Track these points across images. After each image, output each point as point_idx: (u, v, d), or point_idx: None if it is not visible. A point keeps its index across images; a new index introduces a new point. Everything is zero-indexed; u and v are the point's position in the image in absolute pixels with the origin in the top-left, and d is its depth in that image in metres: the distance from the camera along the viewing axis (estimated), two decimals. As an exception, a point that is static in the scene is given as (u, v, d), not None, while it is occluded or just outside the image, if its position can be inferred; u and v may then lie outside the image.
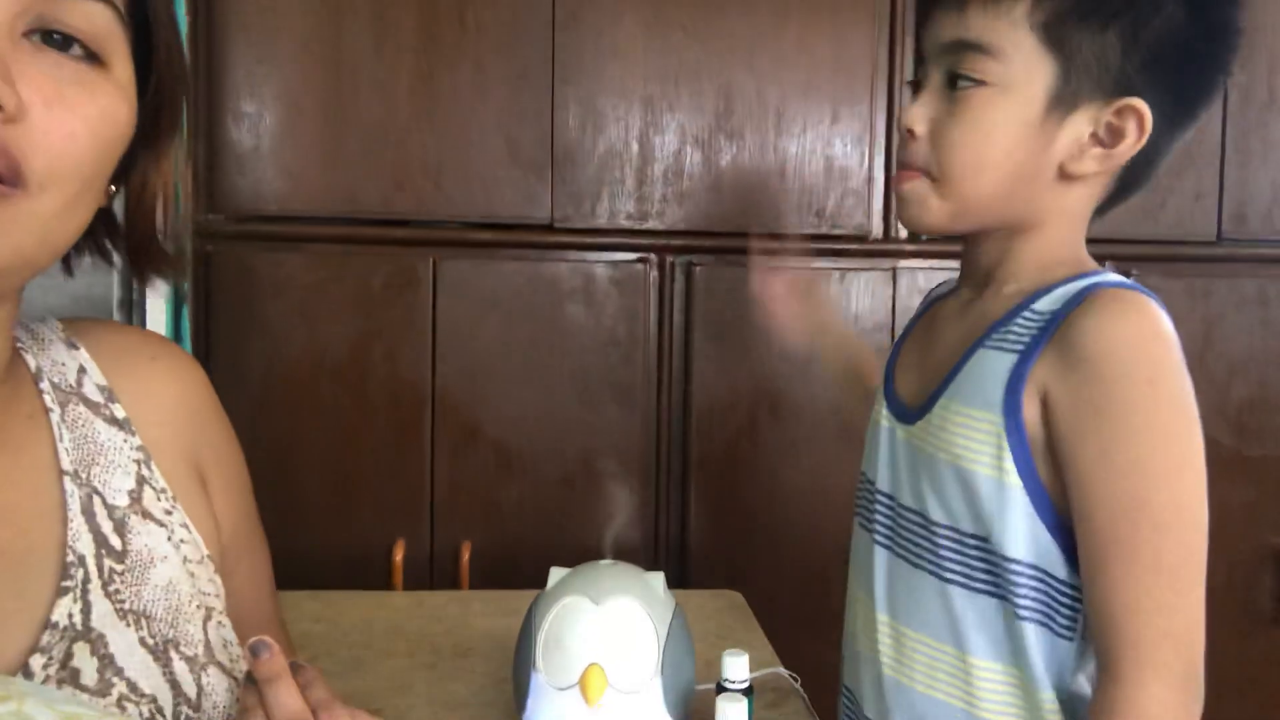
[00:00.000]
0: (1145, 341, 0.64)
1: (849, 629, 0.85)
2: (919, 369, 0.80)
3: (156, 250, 0.57)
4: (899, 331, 1.49)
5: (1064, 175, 0.72)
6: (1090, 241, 0.76)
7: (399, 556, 1.38)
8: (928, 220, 0.74)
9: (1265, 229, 1.56)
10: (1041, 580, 0.69)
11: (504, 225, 1.44)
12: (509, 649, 0.95)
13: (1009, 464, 0.68)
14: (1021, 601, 0.69)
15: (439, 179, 1.42)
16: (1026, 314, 0.70)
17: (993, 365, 0.70)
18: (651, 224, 1.47)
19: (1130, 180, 0.75)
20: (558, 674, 0.77)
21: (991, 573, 0.70)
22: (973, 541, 0.71)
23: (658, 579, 0.85)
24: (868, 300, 1.50)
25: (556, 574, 0.85)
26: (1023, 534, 0.68)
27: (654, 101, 1.46)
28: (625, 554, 1.46)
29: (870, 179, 1.49)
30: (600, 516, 1.47)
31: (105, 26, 0.47)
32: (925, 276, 1.51)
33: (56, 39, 0.45)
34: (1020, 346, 0.69)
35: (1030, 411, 0.67)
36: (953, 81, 0.71)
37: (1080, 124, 0.70)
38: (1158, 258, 1.54)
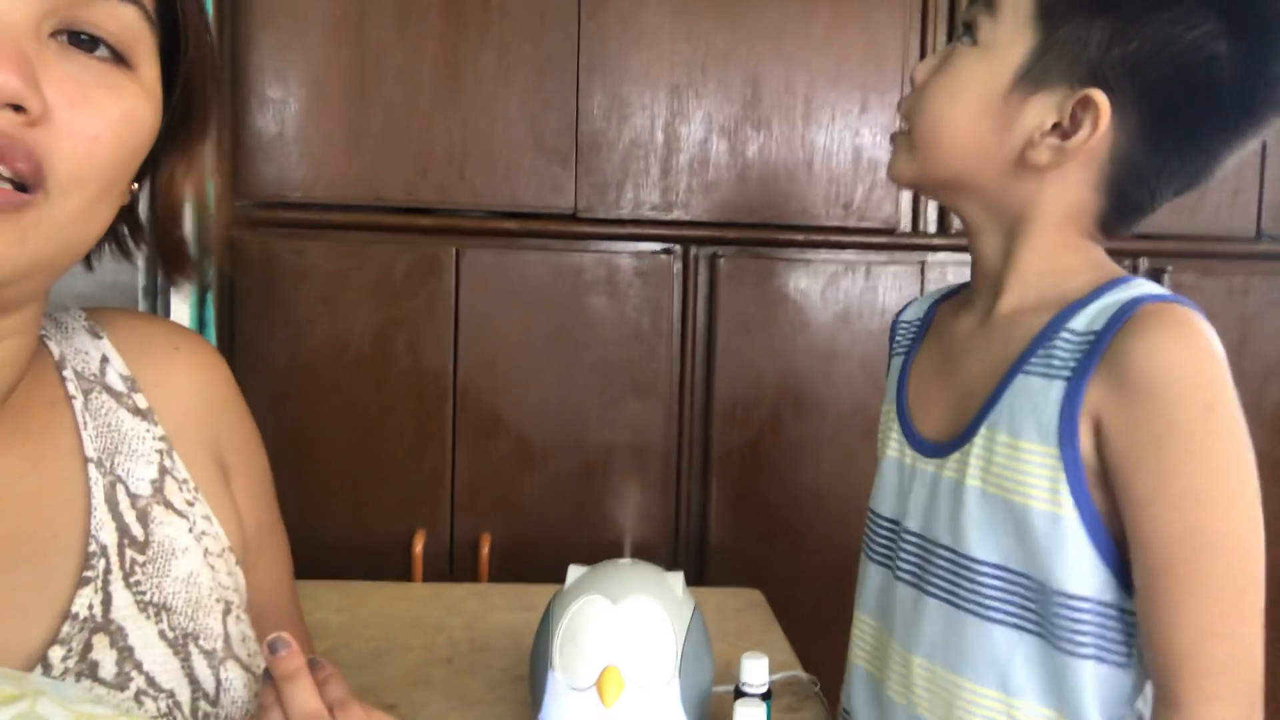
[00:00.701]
0: (1201, 364, 0.62)
1: (869, 672, 0.81)
2: (942, 398, 0.76)
3: (182, 252, 0.57)
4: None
5: (1022, 163, 0.69)
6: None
7: (418, 547, 1.38)
8: (898, 170, 0.74)
9: (1307, 227, 1.52)
10: (1098, 613, 0.66)
11: (527, 214, 1.43)
12: (525, 645, 0.94)
13: (1065, 496, 0.65)
14: (1078, 639, 0.66)
15: (463, 167, 1.41)
16: (1065, 334, 0.67)
17: (1041, 393, 0.66)
18: (676, 214, 1.45)
19: (1124, 197, 0.70)
20: (575, 674, 0.76)
21: (1041, 611, 0.67)
22: (1021, 580, 0.68)
23: (677, 579, 0.84)
24: (895, 294, 1.48)
25: (575, 572, 0.84)
26: (1081, 567, 0.65)
27: (680, 90, 1.44)
28: (644, 549, 1.45)
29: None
30: (620, 511, 1.46)
31: (133, 28, 0.47)
32: (954, 271, 1.48)
33: (83, 39, 0.45)
34: (1067, 372, 0.65)
35: (1085, 440, 0.65)
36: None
37: (1045, 110, 0.67)
38: (1195, 254, 1.51)
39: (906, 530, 0.76)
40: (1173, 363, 0.61)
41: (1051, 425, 0.65)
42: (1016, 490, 0.67)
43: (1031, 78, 0.67)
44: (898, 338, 0.87)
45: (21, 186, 0.43)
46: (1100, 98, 0.65)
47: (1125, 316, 0.64)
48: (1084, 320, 0.66)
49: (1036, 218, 0.71)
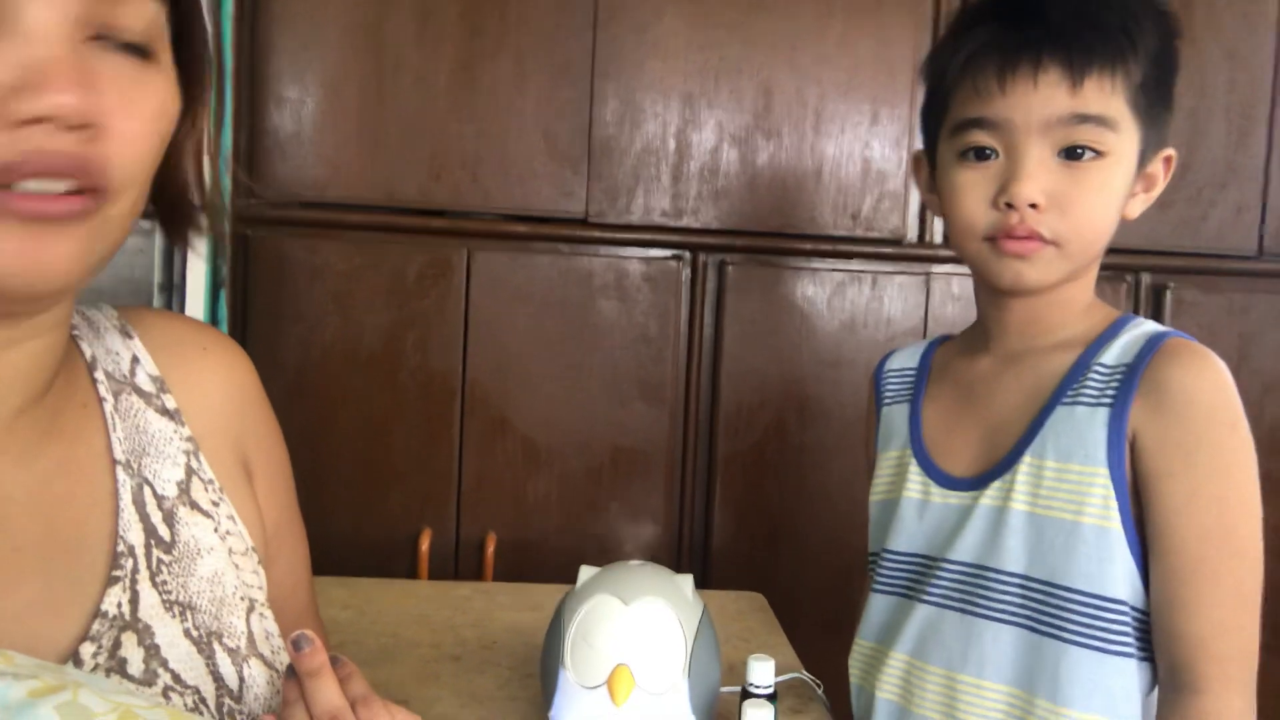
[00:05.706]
0: (1226, 390, 0.72)
1: (897, 702, 0.82)
2: (968, 434, 0.82)
3: (187, 208, 0.56)
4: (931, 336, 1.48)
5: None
6: (1128, 252, 0.80)
7: (425, 545, 1.40)
8: (1047, 282, 0.77)
9: (1308, 245, 1.54)
10: (1132, 616, 0.73)
11: (539, 218, 1.44)
12: (533, 643, 0.96)
13: (1114, 511, 0.73)
14: (1121, 639, 0.73)
15: (476, 170, 1.43)
16: (1097, 368, 0.76)
17: (1085, 420, 0.74)
18: (686, 221, 1.46)
19: None
20: (586, 673, 0.77)
21: (1082, 619, 0.74)
22: (1062, 592, 0.74)
23: (686, 581, 0.85)
24: (900, 305, 1.49)
25: (586, 572, 0.85)
26: (1120, 575, 0.73)
27: (693, 98, 1.45)
28: (647, 551, 1.46)
29: (908, 182, 1.48)
30: (623, 513, 1.48)
31: (154, 20, 0.47)
32: (960, 283, 1.50)
33: (114, 43, 0.46)
34: (1108, 400, 0.74)
35: (1127, 458, 0.73)
36: (1069, 153, 0.74)
37: (1139, 178, 0.78)
38: (1197, 271, 1.52)
39: (946, 560, 0.80)
40: (1203, 388, 0.72)
41: (1099, 448, 0.73)
42: (1067, 509, 0.74)
43: (1143, 161, 0.77)
44: (890, 385, 0.91)
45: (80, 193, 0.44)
46: (1173, 153, 0.79)
47: (1153, 349, 0.73)
48: (1112, 355, 0.76)
49: (1096, 261, 0.80)
